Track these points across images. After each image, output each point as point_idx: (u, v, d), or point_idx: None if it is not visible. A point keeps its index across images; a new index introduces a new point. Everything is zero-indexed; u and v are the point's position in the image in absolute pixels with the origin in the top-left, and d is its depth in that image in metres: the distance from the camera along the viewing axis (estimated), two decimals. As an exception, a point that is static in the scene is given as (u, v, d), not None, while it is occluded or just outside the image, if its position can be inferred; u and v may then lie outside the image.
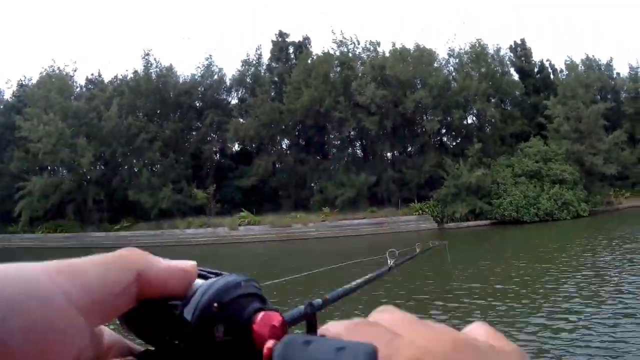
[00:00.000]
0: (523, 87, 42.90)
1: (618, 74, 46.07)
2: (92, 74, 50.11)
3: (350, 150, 43.79)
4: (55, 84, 43.41)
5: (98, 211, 43.85)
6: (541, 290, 12.61)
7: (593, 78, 42.50)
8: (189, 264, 0.39)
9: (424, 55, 39.98)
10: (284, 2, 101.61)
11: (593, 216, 37.92)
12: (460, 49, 41.50)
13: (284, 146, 44.68)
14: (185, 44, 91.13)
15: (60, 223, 42.54)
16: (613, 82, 45.20)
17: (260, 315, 0.37)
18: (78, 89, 48.70)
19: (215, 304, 0.36)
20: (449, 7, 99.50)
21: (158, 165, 44.81)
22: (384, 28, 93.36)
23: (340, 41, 42.58)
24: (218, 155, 46.43)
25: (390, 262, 2.76)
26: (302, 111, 40.28)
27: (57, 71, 45.73)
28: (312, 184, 41.64)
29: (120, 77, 47.88)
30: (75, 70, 47.56)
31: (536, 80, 44.66)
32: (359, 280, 1.46)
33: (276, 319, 0.37)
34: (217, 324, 0.36)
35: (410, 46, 41.07)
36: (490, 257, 20.16)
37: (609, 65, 45.78)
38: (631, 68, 45.59)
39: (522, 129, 41.53)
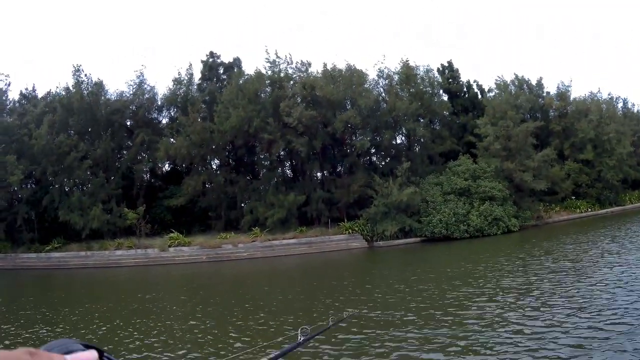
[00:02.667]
0: (451, 107, 43.17)
1: (547, 92, 46.89)
2: (27, 89, 48.43)
3: (280, 170, 43.18)
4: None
5: (29, 231, 42.49)
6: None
7: (522, 98, 43.15)
8: None
9: (354, 76, 39.87)
10: (218, 21, 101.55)
11: (523, 231, 38.52)
12: (389, 70, 41.53)
13: (214, 166, 43.84)
14: (117, 60, 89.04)
15: (-10, 243, 40.99)
16: (542, 101, 45.92)
17: None
18: (11, 104, 47.01)
19: None
20: (381, 29, 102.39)
21: (89, 185, 43.44)
22: (318, 48, 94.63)
23: (273, 60, 42.13)
24: (148, 175, 45.31)
25: (300, 337, 3.04)
26: (231, 131, 39.61)
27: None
28: (242, 204, 40.86)
29: (53, 92, 46.46)
30: (9, 85, 45.94)
31: (464, 100, 45.15)
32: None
33: None
34: None
35: (342, 66, 40.91)
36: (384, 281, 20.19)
37: (539, 84, 46.54)
38: (560, 87, 46.55)
39: (450, 147, 41.71)
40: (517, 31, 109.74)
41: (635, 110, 53.69)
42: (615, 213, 43.60)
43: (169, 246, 39.41)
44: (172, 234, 39.66)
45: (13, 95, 48.43)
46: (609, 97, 50.91)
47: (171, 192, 42.74)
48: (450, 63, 45.72)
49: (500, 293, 14.54)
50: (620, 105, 52.52)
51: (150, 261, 38.55)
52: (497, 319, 11.54)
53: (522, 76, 45.59)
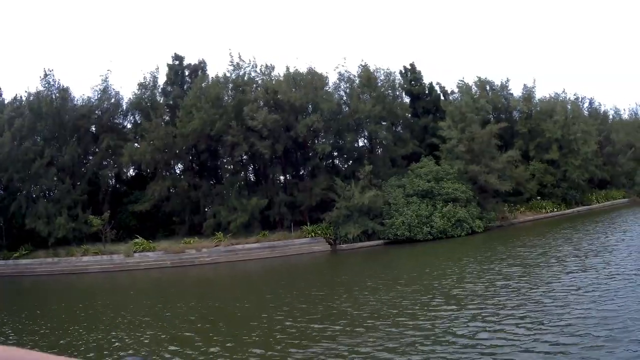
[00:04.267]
0: (413, 109, 43.14)
1: (511, 94, 46.88)
2: (-6, 93, 47.92)
3: (243, 174, 43.04)
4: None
5: (-3, 237, 42.03)
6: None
7: (484, 100, 43.10)
8: None
9: (315, 80, 39.76)
10: (184, 25, 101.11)
11: (488, 232, 38.54)
12: (350, 73, 41.49)
13: (178, 171, 43.65)
14: (83, 65, 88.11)
15: (-40, 250, 40.74)
16: (507, 102, 45.95)
17: None
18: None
19: None
20: (342, 33, 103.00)
21: (55, 191, 43.18)
22: (282, 51, 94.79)
23: (237, 64, 41.99)
24: (114, 181, 45.09)
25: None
26: (194, 135, 39.45)
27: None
28: (206, 209, 40.66)
29: (20, 97, 46.14)
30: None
31: (426, 102, 45.10)
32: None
33: None
34: None
35: (304, 70, 40.82)
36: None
37: (503, 86, 46.54)
38: (525, 88, 46.60)
39: (413, 150, 41.65)
40: (483, 35, 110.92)
41: (601, 110, 53.90)
42: (581, 212, 43.70)
43: (134, 252, 39.19)
44: (137, 240, 39.46)
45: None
46: (575, 97, 51.15)
47: (136, 197, 42.52)
48: (412, 65, 45.73)
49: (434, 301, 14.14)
50: (586, 105, 52.75)
51: (116, 267, 38.32)
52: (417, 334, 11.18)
53: (485, 78, 45.66)
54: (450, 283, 17.08)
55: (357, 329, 11.76)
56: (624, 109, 69.65)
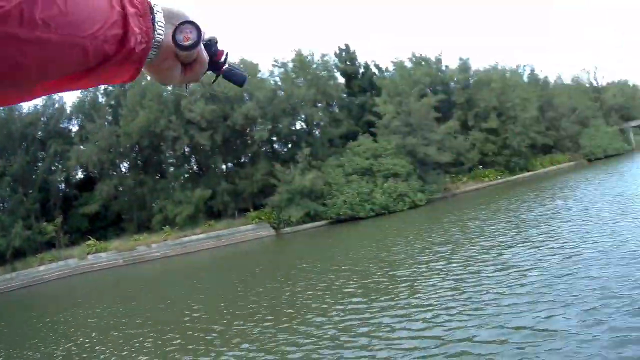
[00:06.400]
0: (347, 89, 43.74)
1: (447, 66, 47.53)
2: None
3: (186, 166, 43.68)
4: None
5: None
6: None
7: (420, 73, 43.69)
8: None
9: (248, 69, 40.25)
10: None
11: (431, 204, 38.89)
12: (284, 59, 42.05)
13: (123, 169, 44.24)
14: None
15: None
16: (443, 75, 46.54)
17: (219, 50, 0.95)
18: None
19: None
20: (277, 20, 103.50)
21: (9, 201, 43.57)
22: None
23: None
24: (64, 185, 45.57)
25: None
26: (137, 133, 40.01)
27: None
28: (153, 204, 41.27)
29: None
30: None
31: (362, 81, 45.61)
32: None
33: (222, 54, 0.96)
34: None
35: (236, 60, 41.24)
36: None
37: (438, 60, 47.17)
38: (461, 60, 47.17)
39: (349, 129, 42.26)
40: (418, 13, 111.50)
41: (542, 77, 54.52)
42: (526, 179, 44.08)
43: (88, 254, 39.58)
44: (89, 242, 39.87)
45: None
46: (516, 66, 51.71)
47: (86, 199, 43.05)
48: (347, 46, 46.27)
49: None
50: (526, 73, 53.29)
51: (72, 271, 38.44)
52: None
53: (420, 54, 46.26)
54: (377, 266, 15.56)
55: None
56: (563, 75, 70.19)
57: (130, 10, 0.72)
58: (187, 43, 0.80)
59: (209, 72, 0.96)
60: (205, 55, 0.89)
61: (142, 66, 0.78)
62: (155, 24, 0.77)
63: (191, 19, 0.83)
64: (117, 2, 0.71)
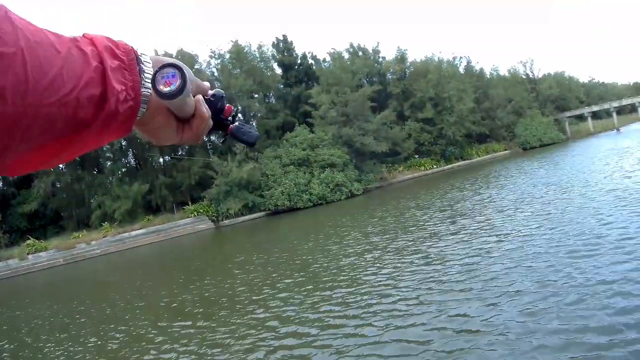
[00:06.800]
0: (284, 80, 44.26)
1: (384, 57, 48.52)
2: None
3: (124, 160, 43.56)
4: None
5: None
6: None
7: (358, 64, 44.52)
8: None
9: (184, 60, 40.30)
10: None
11: (367, 193, 39.70)
12: (220, 50, 42.33)
13: (61, 165, 43.71)
14: None
15: None
16: (379, 66, 47.52)
17: (227, 106, 0.88)
18: None
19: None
20: (213, 10, 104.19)
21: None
22: (146, 35, 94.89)
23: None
24: (0, 183, 44.79)
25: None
26: (72, 127, 39.59)
27: None
28: (91, 201, 41.02)
29: None
30: None
31: (298, 72, 46.16)
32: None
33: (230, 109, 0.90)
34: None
35: (173, 51, 41.42)
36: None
37: (375, 50, 48.12)
38: (398, 50, 48.20)
39: (286, 120, 42.83)
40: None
41: (478, 68, 56.12)
42: (462, 167, 45.37)
43: (28, 254, 38.95)
44: (28, 241, 39.25)
45: None
46: (452, 57, 53.08)
47: (23, 197, 42.45)
48: (284, 36, 46.61)
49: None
50: (463, 64, 54.78)
51: (13, 272, 37.58)
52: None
53: (358, 44, 47.11)
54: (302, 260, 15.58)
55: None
56: (500, 67, 71.16)
57: (112, 63, 0.63)
58: (167, 89, 0.69)
59: (214, 131, 0.90)
60: (205, 109, 0.79)
61: (131, 125, 0.69)
62: (143, 75, 0.68)
63: (174, 61, 0.72)
64: (94, 55, 0.62)
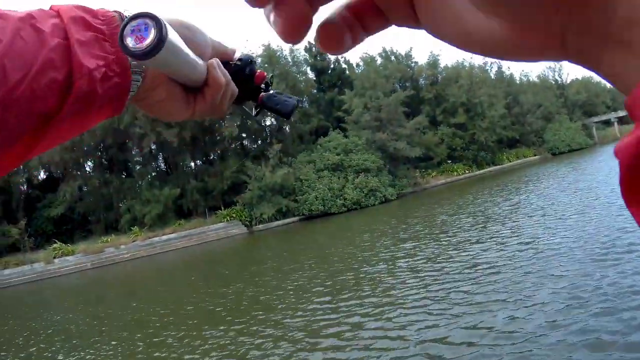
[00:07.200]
0: (317, 84, 43.73)
1: (416, 62, 48.01)
2: None
3: (153, 164, 42.84)
4: None
5: None
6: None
7: (391, 69, 44.04)
8: None
9: (217, 63, 39.78)
10: None
11: (401, 198, 39.34)
12: (253, 52, 41.57)
13: (88, 169, 43.08)
14: None
15: None
16: (412, 71, 47.03)
17: (258, 72, 0.76)
18: None
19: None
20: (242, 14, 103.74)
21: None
22: None
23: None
24: (26, 186, 44.06)
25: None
26: (101, 131, 38.93)
27: None
28: (120, 205, 40.27)
29: None
30: None
31: (331, 76, 45.55)
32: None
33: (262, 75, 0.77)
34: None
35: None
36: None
37: (408, 55, 47.62)
38: (430, 55, 47.77)
39: (319, 124, 42.27)
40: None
41: (508, 74, 55.79)
42: (493, 172, 45.01)
43: (54, 257, 38.46)
44: (55, 245, 38.73)
45: None
46: (483, 63, 52.58)
47: (50, 201, 41.71)
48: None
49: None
50: (494, 70, 54.29)
51: (39, 276, 37.19)
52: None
53: (391, 49, 46.61)
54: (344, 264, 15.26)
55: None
56: (531, 72, 71.23)
57: (81, 36, 0.51)
58: (137, 46, 0.50)
59: (243, 101, 0.75)
60: (220, 74, 0.64)
61: (123, 104, 0.58)
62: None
63: (148, 12, 0.52)
64: (56, 31, 0.50)
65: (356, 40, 0.35)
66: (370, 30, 0.35)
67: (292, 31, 0.31)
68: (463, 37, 0.29)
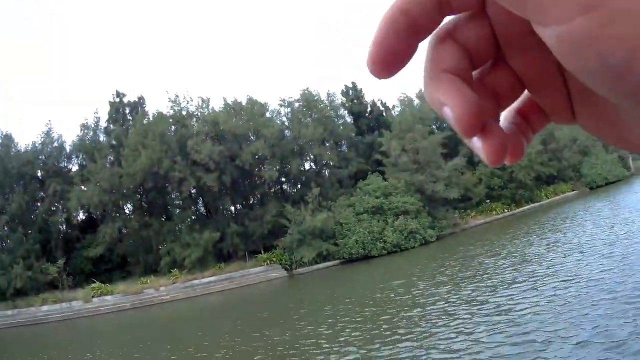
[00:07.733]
0: (355, 128, 43.63)
1: (453, 101, 47.37)
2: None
3: (193, 208, 42.94)
4: None
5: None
6: None
7: (428, 109, 43.72)
8: None
9: (255, 108, 39.93)
10: (120, 63, 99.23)
11: (441, 240, 39.02)
12: (291, 98, 41.76)
13: (127, 211, 43.28)
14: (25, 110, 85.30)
15: None
16: (449, 111, 46.50)
17: None
18: None
19: None
20: (279, 60, 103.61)
21: (7, 241, 42.40)
22: (216, 83, 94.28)
23: (175, 99, 41.93)
24: (65, 226, 44.42)
25: None
26: (141, 174, 39.17)
27: None
28: (159, 247, 40.40)
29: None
30: None
31: (369, 119, 45.49)
32: None
33: None
34: None
35: (242, 99, 41.01)
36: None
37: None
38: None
39: (358, 168, 42.13)
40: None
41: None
42: (531, 210, 44.62)
43: (92, 297, 38.84)
44: (94, 284, 39.04)
45: None
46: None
47: (88, 241, 42.01)
48: (354, 84, 46.20)
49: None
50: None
51: (76, 314, 37.77)
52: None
53: (427, 88, 46.06)
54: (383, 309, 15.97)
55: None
56: None
57: None
58: None
59: None
60: None
61: None
62: None
63: None
64: None
65: (528, 140, 0.39)
66: (536, 129, 0.39)
67: (498, 159, 0.34)
68: (622, 141, 0.33)
